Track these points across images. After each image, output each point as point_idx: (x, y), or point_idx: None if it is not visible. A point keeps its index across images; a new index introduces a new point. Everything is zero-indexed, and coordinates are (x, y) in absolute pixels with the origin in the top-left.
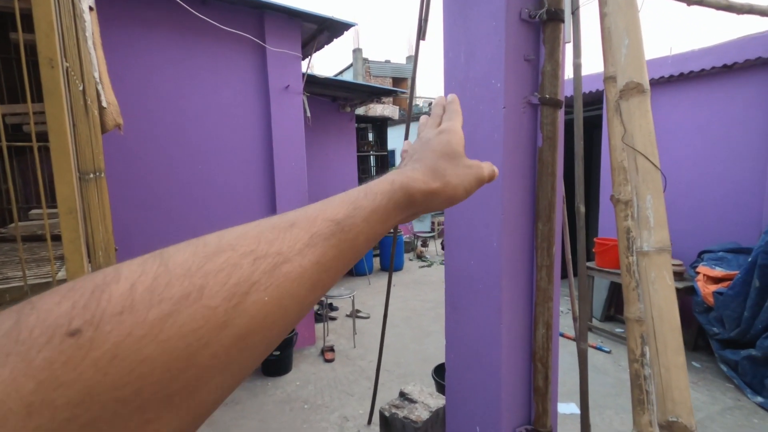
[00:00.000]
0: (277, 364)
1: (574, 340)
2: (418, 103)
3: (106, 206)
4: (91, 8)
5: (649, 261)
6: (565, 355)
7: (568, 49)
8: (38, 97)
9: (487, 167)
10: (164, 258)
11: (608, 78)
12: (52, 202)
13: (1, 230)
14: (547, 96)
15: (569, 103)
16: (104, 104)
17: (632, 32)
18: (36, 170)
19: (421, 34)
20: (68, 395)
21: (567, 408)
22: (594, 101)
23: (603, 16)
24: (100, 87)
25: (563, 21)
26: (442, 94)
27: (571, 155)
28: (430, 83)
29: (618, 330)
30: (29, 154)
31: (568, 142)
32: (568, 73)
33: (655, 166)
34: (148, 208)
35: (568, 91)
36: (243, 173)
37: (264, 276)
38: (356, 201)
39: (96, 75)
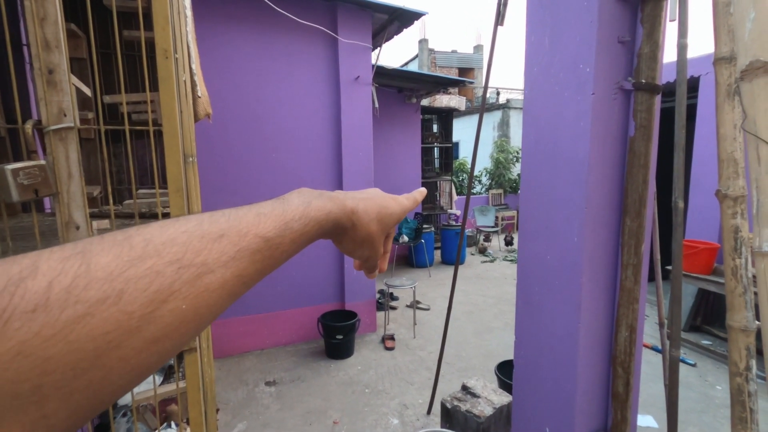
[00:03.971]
0: (340, 348)
1: (651, 348)
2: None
3: (198, 188)
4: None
5: None
6: (642, 364)
7: (669, 28)
8: (142, 87)
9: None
10: (86, 258)
11: (720, 59)
12: (151, 183)
13: (114, 208)
14: (643, 81)
15: (665, 90)
16: (199, 94)
17: (760, 4)
18: (133, 153)
19: (500, 19)
20: None
21: (644, 420)
22: (687, 89)
23: None
24: (196, 78)
25: None
26: (522, 81)
27: (664, 146)
28: (498, 72)
29: (705, 342)
30: (132, 141)
31: (661, 133)
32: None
33: None
34: (225, 191)
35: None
36: (313, 162)
37: (185, 285)
38: (289, 222)
39: (193, 67)
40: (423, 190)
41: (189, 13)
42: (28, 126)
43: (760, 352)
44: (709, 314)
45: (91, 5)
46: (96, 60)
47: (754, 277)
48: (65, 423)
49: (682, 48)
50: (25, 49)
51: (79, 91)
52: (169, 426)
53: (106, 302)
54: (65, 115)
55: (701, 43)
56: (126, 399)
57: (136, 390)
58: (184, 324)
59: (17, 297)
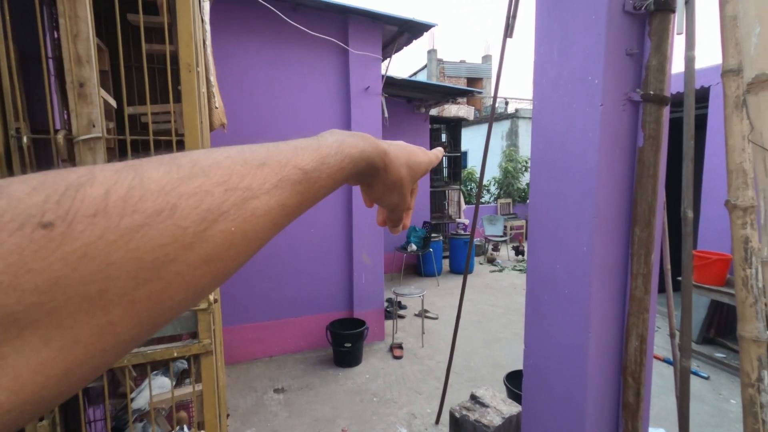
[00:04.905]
0: (348, 356)
1: (663, 360)
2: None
3: None
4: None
5: None
6: (654, 376)
7: (677, 40)
8: (160, 98)
9: (406, 217)
10: (138, 172)
11: (727, 71)
12: None
13: None
14: (652, 92)
15: (675, 101)
16: (216, 105)
17: (765, 19)
18: None
19: (509, 31)
20: (36, 282)
21: None
22: (697, 99)
23: (724, 2)
24: (213, 89)
25: (673, 11)
26: (531, 92)
27: (674, 156)
28: (506, 82)
29: (718, 354)
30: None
31: (671, 143)
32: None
33: None
34: None
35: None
36: None
37: (233, 207)
38: (325, 157)
39: (211, 79)
40: (440, 150)
41: (208, 27)
42: (60, 136)
43: None
44: (722, 326)
45: (116, 21)
46: (122, 73)
47: (765, 287)
48: (130, 332)
49: (689, 60)
50: (49, 62)
51: (104, 102)
52: (182, 429)
53: (161, 214)
54: (94, 126)
55: (711, 53)
56: (141, 403)
57: (154, 392)
58: (234, 247)
59: (78, 201)
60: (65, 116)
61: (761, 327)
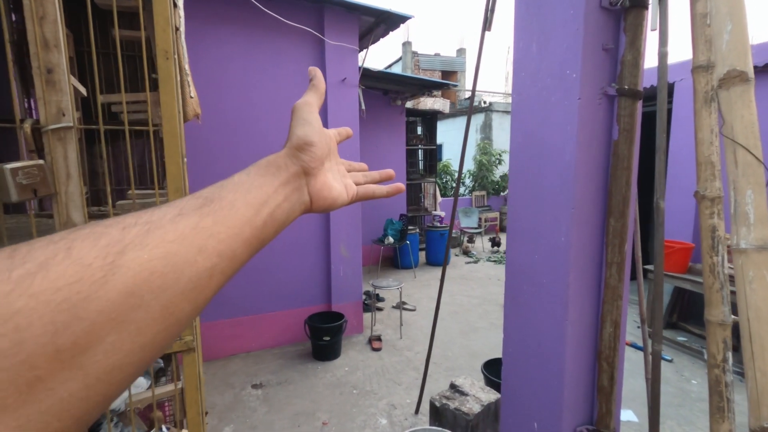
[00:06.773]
0: (327, 350)
1: (631, 345)
2: (467, 97)
3: (187, 189)
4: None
5: (747, 259)
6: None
7: (650, 37)
8: (134, 87)
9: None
10: (20, 244)
11: (697, 67)
12: (140, 184)
13: (101, 209)
14: (626, 87)
15: (645, 95)
16: (191, 95)
17: (736, 17)
18: (132, 153)
19: (487, 24)
20: None
21: (624, 414)
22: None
23: (694, 0)
24: (188, 78)
25: (647, 7)
26: (510, 85)
27: (645, 150)
28: (483, 75)
29: (680, 338)
30: (122, 141)
31: (642, 136)
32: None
33: (758, 159)
34: None
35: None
36: None
37: (137, 238)
38: (218, 182)
39: (186, 67)
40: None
41: (182, 12)
42: (27, 125)
43: (734, 348)
44: (684, 312)
45: (84, 4)
46: (94, 59)
47: (731, 276)
48: (65, 387)
49: (662, 56)
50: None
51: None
52: (160, 430)
53: (56, 257)
54: (64, 115)
55: (675, 50)
56: (117, 403)
57: (132, 390)
58: (157, 275)
59: None
60: (26, 104)
61: (726, 311)
